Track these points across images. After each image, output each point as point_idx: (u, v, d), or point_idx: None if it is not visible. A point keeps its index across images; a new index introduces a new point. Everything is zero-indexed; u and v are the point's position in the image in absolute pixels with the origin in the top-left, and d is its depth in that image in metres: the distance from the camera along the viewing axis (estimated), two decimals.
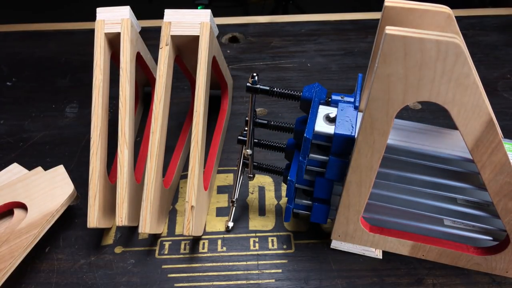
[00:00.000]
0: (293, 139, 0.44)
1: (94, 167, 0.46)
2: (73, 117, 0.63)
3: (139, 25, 0.52)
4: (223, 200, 0.52)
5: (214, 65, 0.53)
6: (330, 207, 0.44)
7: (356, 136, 0.36)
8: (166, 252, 0.47)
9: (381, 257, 0.46)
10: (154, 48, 0.53)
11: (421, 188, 0.40)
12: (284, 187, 0.54)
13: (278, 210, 0.51)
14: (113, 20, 0.49)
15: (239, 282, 0.45)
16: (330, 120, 0.38)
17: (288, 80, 0.69)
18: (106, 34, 0.49)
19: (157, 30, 0.49)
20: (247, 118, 0.43)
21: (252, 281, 0.45)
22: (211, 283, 0.45)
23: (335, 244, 0.47)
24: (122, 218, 0.45)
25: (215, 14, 0.51)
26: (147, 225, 0.45)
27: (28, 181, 0.48)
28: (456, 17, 0.35)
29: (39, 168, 0.50)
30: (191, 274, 0.45)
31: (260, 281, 0.45)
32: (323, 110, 0.39)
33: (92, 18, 0.51)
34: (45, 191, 0.47)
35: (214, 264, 0.46)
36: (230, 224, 0.49)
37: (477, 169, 0.35)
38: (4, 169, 0.51)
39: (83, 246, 0.48)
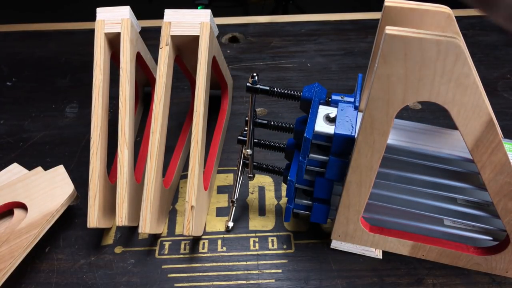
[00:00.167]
0: (293, 139, 0.44)
1: (94, 167, 0.46)
2: (73, 117, 0.63)
3: (139, 25, 0.52)
4: (223, 200, 0.52)
5: (214, 65, 0.53)
6: (330, 207, 0.44)
7: (356, 136, 0.36)
8: (166, 252, 0.47)
9: (381, 257, 0.46)
10: (154, 48, 0.53)
11: (421, 188, 0.40)
12: (284, 187, 0.54)
13: (278, 210, 0.51)
14: (113, 20, 0.49)
15: (239, 282, 0.45)
16: (330, 120, 0.38)
17: (288, 80, 0.69)
18: (106, 34, 0.49)
19: (157, 30, 0.49)
20: (247, 118, 0.43)
21: (252, 281, 0.45)
22: (211, 283, 0.45)
23: (335, 244, 0.47)
24: (122, 218, 0.45)
25: (215, 14, 0.51)
26: (147, 225, 0.45)
27: (28, 181, 0.48)
28: (456, 17, 0.35)
29: (39, 168, 0.50)
30: (191, 274, 0.45)
31: (260, 281, 0.45)
32: (323, 110, 0.39)
33: (92, 18, 0.51)
34: (45, 191, 0.47)
35: (214, 264, 0.46)
36: (230, 224, 0.49)
37: (477, 169, 0.35)
38: (4, 169, 0.51)
39: (83, 246, 0.48)
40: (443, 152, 0.37)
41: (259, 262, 0.46)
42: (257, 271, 0.45)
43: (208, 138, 0.51)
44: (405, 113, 0.62)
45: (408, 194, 0.41)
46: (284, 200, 0.52)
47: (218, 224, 0.50)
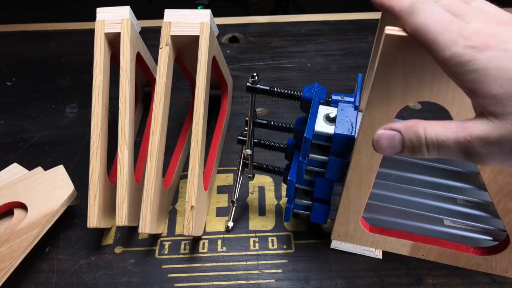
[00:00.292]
0: (293, 139, 0.44)
1: (94, 167, 0.46)
2: (73, 117, 0.63)
3: (139, 25, 0.52)
4: (223, 200, 0.52)
5: (214, 65, 0.53)
6: (330, 207, 0.44)
7: (356, 136, 0.36)
8: (166, 252, 0.47)
9: (381, 257, 0.46)
10: (154, 48, 0.53)
11: (421, 188, 0.40)
12: (284, 187, 0.54)
13: (278, 210, 0.51)
14: (113, 20, 0.49)
15: (239, 282, 0.45)
16: (330, 120, 0.38)
17: (288, 80, 0.69)
18: (106, 34, 0.49)
19: (157, 30, 0.49)
20: (247, 118, 0.43)
21: (252, 281, 0.45)
22: (211, 283, 0.45)
23: (335, 244, 0.47)
24: (122, 218, 0.45)
25: (215, 14, 0.51)
26: (147, 225, 0.45)
27: (28, 181, 0.48)
28: None
29: (39, 168, 0.50)
30: (191, 274, 0.45)
31: (260, 281, 0.45)
32: (323, 110, 0.39)
33: (92, 18, 0.51)
34: (45, 191, 0.47)
35: (214, 264, 0.46)
36: (230, 224, 0.49)
37: (477, 169, 0.35)
38: (4, 169, 0.51)
39: (83, 246, 0.48)
40: None
41: (259, 262, 0.46)
42: (257, 271, 0.45)
43: (208, 138, 0.51)
44: (405, 113, 0.62)
45: (408, 194, 0.41)
46: (284, 200, 0.52)
47: (218, 224, 0.50)
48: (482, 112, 0.23)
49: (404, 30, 0.27)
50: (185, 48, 0.51)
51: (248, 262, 0.46)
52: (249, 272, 0.45)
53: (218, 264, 0.46)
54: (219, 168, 0.56)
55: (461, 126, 0.24)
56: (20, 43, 0.77)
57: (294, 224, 0.50)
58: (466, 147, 0.23)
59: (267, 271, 0.46)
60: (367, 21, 0.81)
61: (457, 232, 0.42)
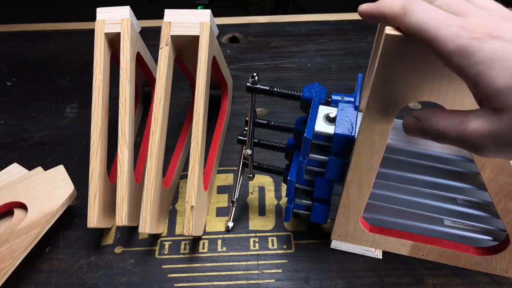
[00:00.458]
0: (293, 139, 0.44)
1: (94, 167, 0.46)
2: (73, 117, 0.63)
3: (139, 25, 0.52)
4: (223, 200, 0.52)
5: (214, 65, 0.53)
6: (330, 207, 0.44)
7: (356, 136, 0.36)
8: (166, 252, 0.47)
9: (381, 257, 0.46)
10: (154, 48, 0.53)
11: (421, 188, 0.40)
12: (284, 187, 0.54)
13: (278, 210, 0.51)
14: (113, 20, 0.49)
15: (239, 282, 0.45)
16: (330, 120, 0.38)
17: (288, 80, 0.69)
18: (106, 34, 0.49)
19: (157, 30, 0.49)
20: (247, 118, 0.43)
21: (252, 281, 0.45)
22: (211, 283, 0.45)
23: (335, 244, 0.47)
24: (122, 218, 0.45)
25: (215, 14, 0.51)
26: (147, 225, 0.45)
27: (28, 181, 0.48)
28: None
29: (39, 168, 0.50)
30: (191, 274, 0.45)
31: (260, 281, 0.45)
32: (323, 110, 0.39)
33: (92, 18, 0.51)
34: (45, 191, 0.47)
35: (214, 264, 0.46)
36: (230, 224, 0.49)
37: (477, 169, 0.35)
38: (4, 169, 0.51)
39: (83, 246, 0.48)
40: (443, 152, 0.37)
41: (259, 262, 0.46)
42: (257, 271, 0.45)
43: (208, 138, 0.51)
44: (405, 113, 0.62)
45: (408, 194, 0.41)
46: (284, 200, 0.52)
47: (218, 224, 0.50)
48: (483, 104, 0.24)
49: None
50: (185, 48, 0.51)
51: (248, 262, 0.46)
52: (249, 272, 0.45)
53: (218, 264, 0.46)
54: (219, 168, 0.56)
55: (463, 118, 0.25)
56: (20, 43, 0.77)
57: (294, 224, 0.50)
58: (465, 138, 0.25)
59: (267, 271, 0.46)
60: (367, 21, 0.80)
61: (457, 232, 0.42)
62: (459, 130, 0.25)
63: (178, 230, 0.50)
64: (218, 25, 0.52)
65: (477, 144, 0.24)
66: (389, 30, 0.27)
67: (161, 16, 0.49)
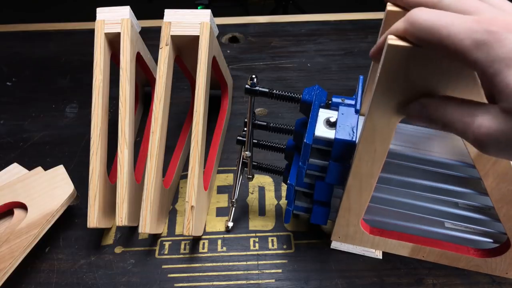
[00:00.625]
0: (292, 141, 0.44)
1: (94, 167, 0.46)
2: (73, 117, 0.63)
3: (139, 25, 0.52)
4: (223, 200, 0.52)
5: (214, 65, 0.53)
6: (330, 210, 0.44)
7: (357, 141, 0.35)
8: (166, 252, 0.47)
9: (381, 257, 0.46)
10: (154, 48, 0.53)
11: (423, 192, 0.40)
12: (284, 187, 0.54)
13: (278, 210, 0.51)
14: (113, 20, 0.49)
15: (239, 282, 0.45)
16: (331, 124, 0.37)
17: (288, 80, 0.69)
18: (106, 34, 0.49)
19: (157, 30, 0.49)
20: (246, 120, 0.43)
21: (252, 281, 0.45)
22: (211, 283, 0.45)
23: (335, 244, 0.47)
24: (122, 218, 0.45)
25: (215, 14, 0.51)
26: (147, 225, 0.45)
27: (28, 181, 0.48)
28: None
29: (39, 168, 0.50)
30: (191, 274, 0.45)
31: (260, 281, 0.45)
32: (323, 114, 0.38)
33: (92, 18, 0.51)
34: (45, 191, 0.47)
35: (214, 264, 0.46)
36: (230, 224, 0.49)
37: (479, 175, 0.35)
38: (4, 169, 0.51)
39: (83, 246, 0.48)
40: (446, 158, 0.36)
41: (259, 262, 0.46)
42: (257, 271, 0.45)
43: (208, 138, 0.51)
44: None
45: (409, 198, 0.41)
46: (284, 200, 0.52)
47: (218, 224, 0.50)
48: (495, 101, 0.23)
49: (407, 40, 0.26)
50: (185, 48, 0.51)
51: (248, 262, 0.46)
52: (249, 272, 0.45)
53: (218, 264, 0.46)
54: (219, 168, 0.56)
55: (471, 111, 0.24)
56: (20, 43, 0.77)
57: (294, 224, 0.50)
58: (469, 132, 0.24)
59: (267, 271, 0.46)
60: (367, 21, 0.81)
61: (457, 234, 0.42)
62: (465, 122, 0.24)
63: (178, 230, 0.50)
64: (218, 25, 0.52)
65: (480, 140, 0.24)
66: (391, 40, 0.26)
67: (161, 16, 0.49)
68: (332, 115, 0.38)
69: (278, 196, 0.53)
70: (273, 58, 0.73)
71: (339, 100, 0.39)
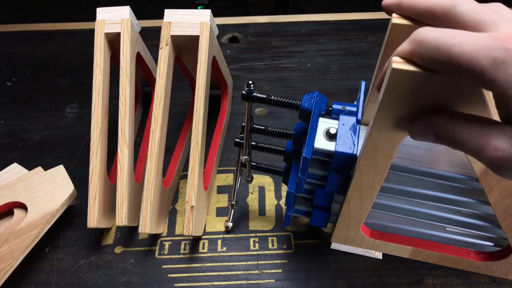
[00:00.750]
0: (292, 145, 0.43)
1: (94, 167, 0.46)
2: (73, 117, 0.63)
3: (139, 25, 0.52)
4: (223, 200, 0.52)
5: (214, 65, 0.53)
6: (330, 214, 0.43)
7: (358, 154, 0.34)
8: (166, 252, 0.47)
9: (381, 257, 0.46)
10: (154, 48, 0.53)
11: (425, 201, 0.39)
12: (284, 187, 0.54)
13: (278, 210, 0.51)
14: (113, 20, 0.49)
15: (239, 282, 0.45)
16: (331, 136, 0.36)
17: (288, 80, 0.69)
18: (106, 34, 0.49)
19: (157, 30, 0.49)
20: (243, 124, 0.42)
21: (252, 281, 0.45)
22: (211, 283, 0.45)
23: (335, 244, 0.47)
24: (122, 218, 0.45)
25: (215, 14, 0.51)
26: (147, 225, 0.45)
27: (28, 181, 0.48)
28: None
29: (39, 168, 0.50)
30: (191, 274, 0.45)
31: (260, 281, 0.45)
32: (323, 124, 0.37)
33: (92, 18, 0.51)
34: (45, 191, 0.47)
35: (214, 264, 0.46)
36: (230, 225, 0.49)
37: (482, 187, 0.34)
38: (4, 169, 0.51)
39: (83, 246, 0.48)
40: (450, 172, 0.35)
41: (259, 262, 0.46)
42: (257, 271, 0.45)
43: (208, 138, 0.51)
44: None
45: (411, 204, 0.40)
46: (284, 200, 0.52)
47: (218, 224, 0.50)
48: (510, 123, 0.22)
49: (414, 62, 0.24)
50: (185, 48, 0.51)
51: (248, 262, 0.46)
52: (249, 272, 0.45)
53: (218, 264, 0.46)
54: (219, 168, 0.56)
55: (485, 131, 0.23)
56: (20, 43, 0.77)
57: (294, 224, 0.50)
58: (484, 154, 0.23)
59: (267, 271, 0.46)
60: (367, 21, 0.81)
61: (458, 237, 0.42)
62: (479, 143, 0.22)
63: (178, 230, 0.50)
64: (218, 25, 0.52)
65: (497, 164, 0.22)
66: (396, 64, 0.24)
67: (161, 16, 0.49)
68: (332, 125, 0.37)
69: (278, 196, 0.53)
70: (273, 58, 0.73)
71: (339, 107, 0.38)
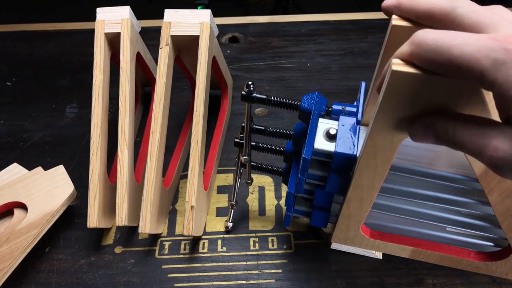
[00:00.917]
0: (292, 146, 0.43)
1: (94, 167, 0.46)
2: (73, 117, 0.63)
3: (139, 25, 0.52)
4: (223, 200, 0.52)
5: (214, 65, 0.53)
6: (330, 214, 0.43)
7: (358, 155, 0.34)
8: (166, 252, 0.47)
9: (381, 257, 0.46)
10: (154, 48, 0.53)
11: (425, 201, 0.39)
12: (284, 187, 0.54)
13: (278, 210, 0.51)
14: (113, 20, 0.49)
15: (239, 282, 0.45)
16: (330, 137, 0.36)
17: (288, 80, 0.69)
18: (106, 34, 0.49)
19: (157, 30, 0.49)
20: (243, 124, 0.42)
21: (252, 281, 0.45)
22: (211, 283, 0.45)
23: (335, 244, 0.47)
24: (122, 218, 0.45)
25: (215, 14, 0.51)
26: (147, 225, 0.45)
27: (28, 181, 0.48)
28: None
29: (39, 168, 0.50)
30: (191, 274, 0.45)
31: (260, 281, 0.45)
32: (323, 125, 0.37)
33: (92, 18, 0.51)
34: (45, 191, 0.47)
35: (214, 264, 0.46)
36: (229, 225, 0.49)
37: (482, 187, 0.34)
38: (4, 169, 0.51)
39: (83, 246, 0.48)
40: (450, 172, 0.35)
41: (259, 262, 0.46)
42: (257, 271, 0.45)
43: (208, 138, 0.51)
44: None
45: (411, 205, 0.40)
46: (284, 199, 0.52)
47: (218, 224, 0.50)
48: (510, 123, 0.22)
49: (414, 64, 0.24)
50: (185, 48, 0.51)
51: (248, 262, 0.46)
52: (249, 272, 0.45)
53: (218, 264, 0.46)
54: (219, 168, 0.56)
55: (485, 132, 0.23)
56: (20, 43, 0.77)
57: (294, 224, 0.50)
58: (484, 154, 0.23)
59: (267, 271, 0.46)
60: (367, 21, 0.81)
61: (458, 237, 0.42)
62: (480, 144, 0.22)
63: (178, 230, 0.50)
64: (218, 25, 0.52)
65: (497, 164, 0.22)
66: (396, 66, 0.24)
67: (161, 16, 0.49)
68: (332, 126, 0.37)
69: (278, 196, 0.53)
70: (273, 58, 0.73)
71: (339, 108, 0.38)
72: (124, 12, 0.49)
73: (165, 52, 0.47)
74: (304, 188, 0.42)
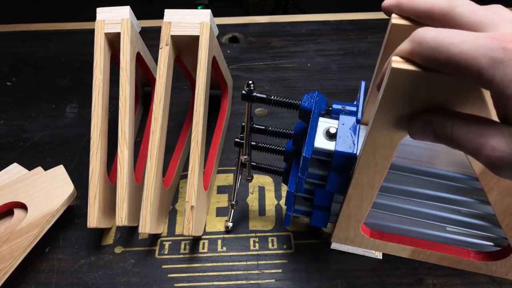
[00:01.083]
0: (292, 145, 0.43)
1: (94, 167, 0.46)
2: (73, 117, 0.63)
3: (139, 25, 0.52)
4: (223, 200, 0.52)
5: (214, 65, 0.53)
6: (330, 214, 0.43)
7: (357, 154, 0.34)
8: (166, 252, 0.47)
9: (381, 257, 0.46)
10: (154, 48, 0.53)
11: (424, 200, 0.39)
12: (284, 187, 0.54)
13: (278, 210, 0.51)
14: (113, 20, 0.49)
15: (239, 282, 0.45)
16: (330, 136, 0.36)
17: (288, 80, 0.69)
18: (106, 34, 0.49)
19: (157, 30, 0.49)
20: (243, 124, 0.42)
21: (252, 281, 0.45)
22: (211, 283, 0.45)
23: (335, 244, 0.47)
24: (122, 218, 0.45)
25: (215, 14, 0.51)
26: (147, 225, 0.45)
27: (28, 181, 0.48)
28: None
29: (39, 168, 0.50)
30: (191, 274, 0.45)
31: (260, 281, 0.45)
32: (323, 124, 0.37)
33: (92, 18, 0.51)
34: (45, 191, 0.47)
35: (214, 264, 0.46)
36: (229, 225, 0.49)
37: (481, 186, 0.34)
38: (4, 169, 0.51)
39: (83, 246, 0.48)
40: (449, 171, 0.35)
41: (259, 262, 0.46)
42: (257, 271, 0.45)
43: (208, 138, 0.51)
44: None
45: (411, 204, 0.40)
46: (284, 200, 0.52)
47: (218, 224, 0.50)
48: (508, 122, 0.22)
49: (413, 62, 0.24)
50: (185, 48, 0.51)
51: (248, 262, 0.46)
52: (249, 272, 0.45)
53: (218, 264, 0.46)
54: (219, 168, 0.56)
55: (483, 131, 0.23)
56: (20, 43, 0.77)
57: (294, 224, 0.50)
58: (481, 153, 0.23)
59: (267, 271, 0.46)
60: (367, 21, 0.81)
61: (458, 237, 0.42)
62: (477, 143, 0.23)
63: (178, 230, 0.50)
64: (218, 25, 0.52)
65: (494, 163, 0.22)
66: (396, 63, 0.24)
67: (161, 16, 0.49)
68: (332, 125, 0.37)
69: (278, 196, 0.53)
70: (273, 58, 0.73)
71: (339, 107, 0.38)
72: (124, 12, 0.49)
73: (165, 52, 0.48)
74: (304, 188, 0.42)
